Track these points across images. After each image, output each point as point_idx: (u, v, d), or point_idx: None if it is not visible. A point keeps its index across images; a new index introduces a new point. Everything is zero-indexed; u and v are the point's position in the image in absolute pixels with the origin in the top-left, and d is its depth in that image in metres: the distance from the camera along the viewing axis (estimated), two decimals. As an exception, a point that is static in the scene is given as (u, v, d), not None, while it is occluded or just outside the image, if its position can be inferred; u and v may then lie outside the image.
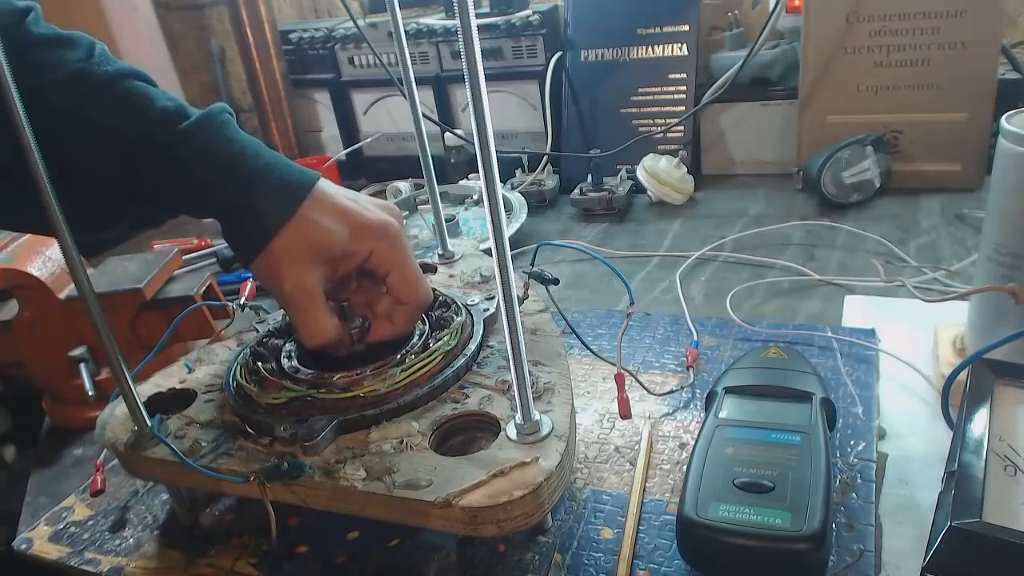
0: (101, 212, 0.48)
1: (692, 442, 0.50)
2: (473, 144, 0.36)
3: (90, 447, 0.65)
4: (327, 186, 0.49)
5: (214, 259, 0.99)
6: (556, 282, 0.60)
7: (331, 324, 0.49)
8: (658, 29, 1.05)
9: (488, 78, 0.37)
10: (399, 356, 0.50)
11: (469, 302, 0.57)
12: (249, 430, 0.48)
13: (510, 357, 0.41)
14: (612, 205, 0.99)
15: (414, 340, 0.52)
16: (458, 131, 1.11)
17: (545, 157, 1.09)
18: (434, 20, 1.14)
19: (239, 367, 0.52)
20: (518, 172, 1.09)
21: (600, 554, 0.45)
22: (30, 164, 0.39)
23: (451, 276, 0.65)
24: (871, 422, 0.53)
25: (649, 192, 0.99)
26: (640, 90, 1.07)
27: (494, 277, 0.40)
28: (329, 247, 0.48)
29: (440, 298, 0.57)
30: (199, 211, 0.49)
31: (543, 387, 0.48)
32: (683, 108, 1.05)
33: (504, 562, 0.46)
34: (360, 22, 1.09)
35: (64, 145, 0.44)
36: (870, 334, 0.63)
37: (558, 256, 0.89)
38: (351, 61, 1.20)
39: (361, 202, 0.50)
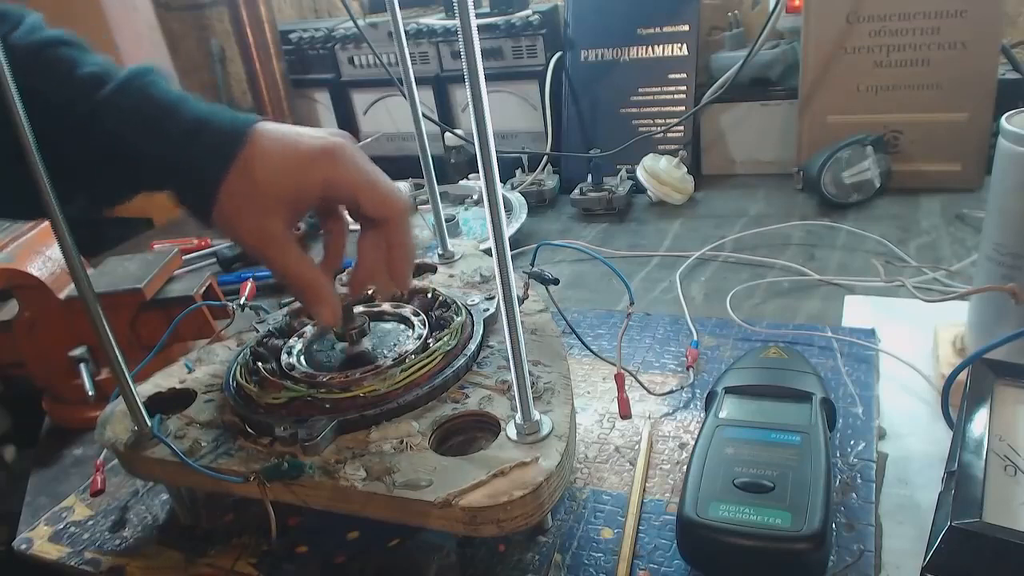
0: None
1: (692, 442, 0.50)
2: (473, 144, 0.36)
3: (90, 447, 0.65)
4: (268, 126, 0.47)
5: (214, 259, 0.99)
6: (556, 282, 0.60)
7: (306, 263, 0.47)
8: (658, 29, 1.05)
9: (488, 78, 0.37)
10: (399, 356, 0.50)
11: (469, 302, 0.57)
12: (249, 430, 0.48)
13: (510, 357, 0.41)
14: (612, 205, 0.99)
15: (413, 341, 0.52)
16: (458, 131, 1.11)
17: (545, 157, 1.09)
18: (434, 20, 1.14)
19: (239, 367, 0.52)
20: (518, 172, 1.09)
21: (600, 554, 0.45)
22: (30, 164, 0.39)
23: (451, 276, 0.65)
24: (871, 422, 0.53)
25: (649, 192, 0.99)
26: (640, 90, 1.07)
27: (494, 277, 0.40)
28: (277, 187, 0.45)
29: (440, 298, 0.57)
30: (144, 182, 0.47)
31: (543, 387, 0.48)
32: (683, 108, 1.05)
33: (504, 562, 0.46)
34: (360, 22, 1.09)
35: None
36: (870, 334, 0.63)
37: (558, 256, 0.89)
38: (351, 61, 1.20)
39: (305, 132, 0.47)
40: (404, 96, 0.63)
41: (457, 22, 0.33)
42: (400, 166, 1.18)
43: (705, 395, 0.53)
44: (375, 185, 0.47)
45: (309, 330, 0.56)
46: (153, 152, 0.45)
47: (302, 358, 0.52)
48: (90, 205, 0.50)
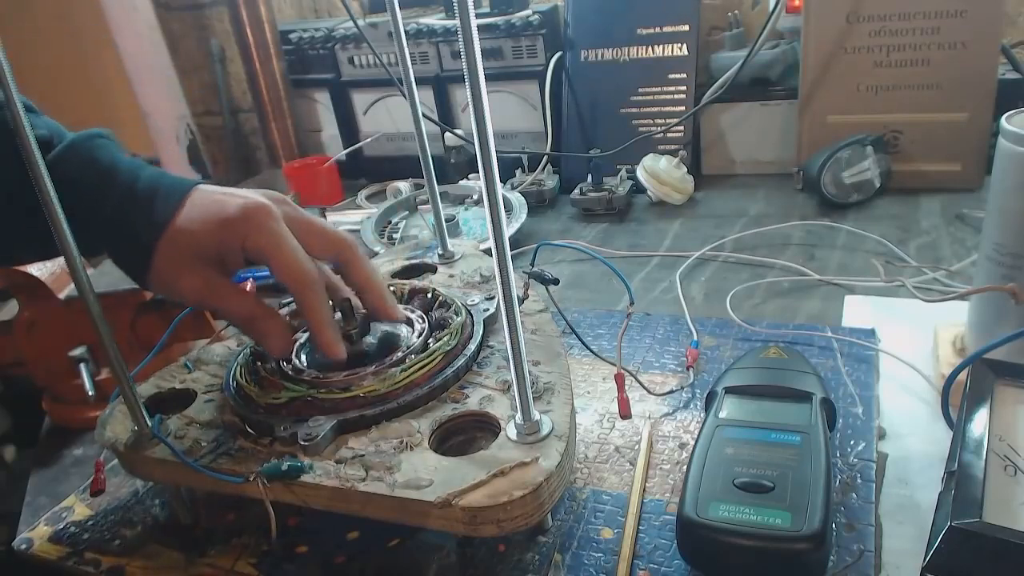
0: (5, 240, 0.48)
1: (692, 442, 0.50)
2: (473, 144, 0.36)
3: (90, 447, 0.65)
4: (202, 190, 0.49)
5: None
6: (556, 282, 0.60)
7: (248, 301, 0.49)
8: (658, 29, 1.05)
9: (488, 78, 0.37)
10: (399, 356, 0.50)
11: (469, 302, 0.57)
12: (249, 430, 0.48)
13: (510, 357, 0.41)
14: (612, 205, 0.99)
15: (414, 341, 0.52)
16: (458, 131, 1.11)
17: (545, 157, 1.09)
18: (434, 20, 1.14)
19: (239, 367, 0.52)
20: (518, 172, 1.09)
21: (600, 554, 0.45)
22: (32, 165, 0.39)
23: (451, 276, 0.65)
24: (871, 422, 0.53)
25: (649, 192, 0.99)
26: (640, 90, 1.07)
27: (494, 277, 0.40)
28: (202, 248, 0.47)
29: (440, 298, 0.57)
30: (82, 246, 0.48)
31: (543, 387, 0.48)
32: (683, 108, 1.05)
33: (504, 562, 0.46)
34: (360, 22, 1.09)
35: None
36: (870, 334, 0.63)
37: (558, 256, 0.89)
38: (351, 61, 1.20)
39: (232, 195, 0.49)
40: (404, 96, 0.63)
41: (457, 22, 0.33)
42: (400, 166, 1.20)
43: (705, 395, 0.53)
44: (284, 254, 0.47)
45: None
46: (88, 220, 0.46)
47: (302, 357, 0.52)
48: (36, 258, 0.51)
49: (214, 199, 0.48)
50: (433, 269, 0.67)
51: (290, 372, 0.51)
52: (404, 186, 1.12)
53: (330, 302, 0.50)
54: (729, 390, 0.51)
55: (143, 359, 0.57)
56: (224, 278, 0.49)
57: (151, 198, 0.48)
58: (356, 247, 0.52)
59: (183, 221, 0.47)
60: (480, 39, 0.43)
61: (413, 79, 0.62)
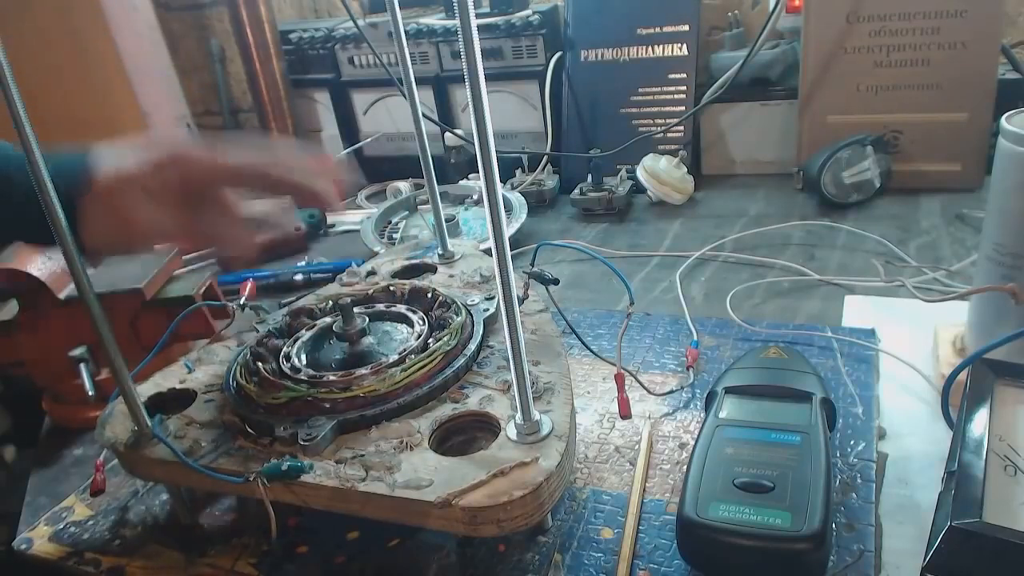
0: None
1: (692, 442, 0.50)
2: (473, 144, 0.36)
3: (90, 447, 0.65)
4: (103, 152, 0.50)
5: (214, 259, 0.99)
6: (556, 282, 0.60)
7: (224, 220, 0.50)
8: (658, 29, 1.05)
9: (488, 78, 0.37)
10: (399, 356, 0.50)
11: (469, 302, 0.57)
12: (249, 430, 0.48)
13: (510, 357, 0.41)
14: (612, 205, 0.99)
15: (414, 341, 0.52)
16: (458, 131, 1.11)
17: (545, 157, 1.09)
18: (434, 20, 1.14)
19: (239, 367, 0.52)
20: (518, 172, 1.09)
21: (600, 554, 0.45)
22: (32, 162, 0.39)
23: (451, 276, 0.65)
24: (871, 422, 0.53)
25: (649, 192, 0.99)
26: (640, 90, 1.07)
27: (494, 277, 0.40)
28: (147, 185, 0.47)
29: (440, 298, 0.57)
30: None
31: (543, 387, 0.48)
32: (683, 108, 1.05)
33: (504, 562, 0.46)
34: (360, 22, 1.09)
35: None
36: (870, 334, 0.63)
37: (558, 256, 0.89)
38: (351, 61, 1.20)
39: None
40: (404, 96, 0.63)
41: (457, 22, 0.33)
42: (400, 166, 1.20)
43: (705, 395, 0.53)
44: (223, 161, 0.50)
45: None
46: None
47: (302, 358, 0.52)
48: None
49: (129, 152, 0.49)
50: (433, 269, 0.67)
51: (290, 372, 0.51)
52: (404, 186, 1.12)
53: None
54: (729, 390, 0.51)
55: (143, 359, 0.57)
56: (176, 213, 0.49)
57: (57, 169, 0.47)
58: (268, 164, 0.51)
59: (111, 171, 0.48)
60: (480, 39, 0.43)
61: (413, 79, 0.62)
